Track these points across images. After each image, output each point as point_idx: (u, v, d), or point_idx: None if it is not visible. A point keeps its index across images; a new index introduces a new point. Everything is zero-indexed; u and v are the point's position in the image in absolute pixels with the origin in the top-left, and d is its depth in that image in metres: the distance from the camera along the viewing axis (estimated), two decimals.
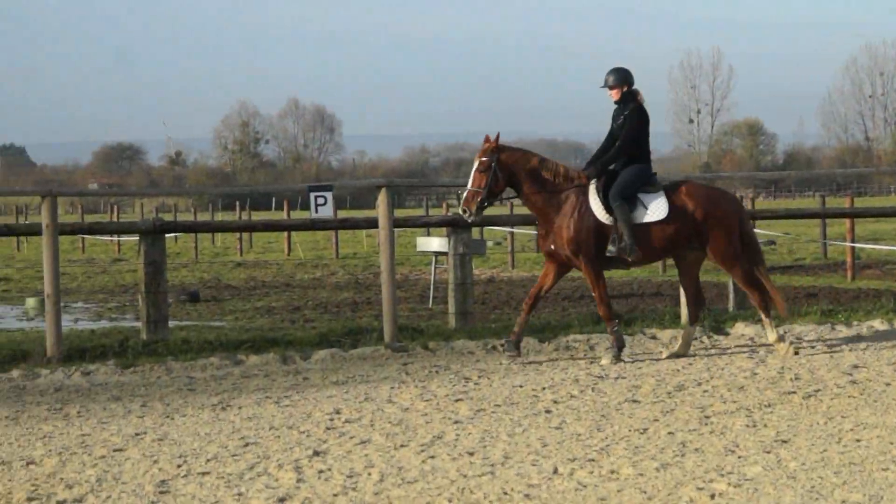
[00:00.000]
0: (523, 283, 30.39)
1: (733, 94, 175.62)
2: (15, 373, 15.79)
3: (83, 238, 52.85)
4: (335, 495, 9.39)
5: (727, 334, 18.10)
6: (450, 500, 9.16)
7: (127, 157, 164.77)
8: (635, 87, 16.24)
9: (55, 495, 9.56)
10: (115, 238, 50.51)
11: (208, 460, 10.78)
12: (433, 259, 26.58)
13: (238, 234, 48.00)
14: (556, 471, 9.91)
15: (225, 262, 40.60)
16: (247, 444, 11.49)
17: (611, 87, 16.15)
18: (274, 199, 70.31)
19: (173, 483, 9.93)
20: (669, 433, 11.34)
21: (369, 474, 10.10)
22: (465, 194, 15.92)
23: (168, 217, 49.34)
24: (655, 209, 15.71)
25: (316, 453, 11.00)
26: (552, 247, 16.01)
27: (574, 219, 15.73)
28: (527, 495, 9.19)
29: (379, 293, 19.21)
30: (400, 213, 40.75)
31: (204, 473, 10.24)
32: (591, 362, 16.02)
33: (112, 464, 10.72)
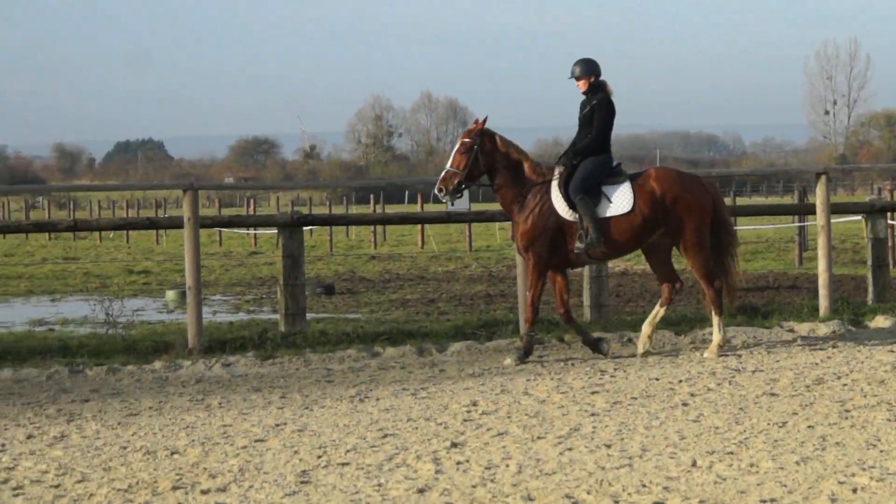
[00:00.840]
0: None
1: (871, 85, 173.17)
2: (157, 364, 16.04)
3: (220, 231, 53.44)
4: (474, 486, 9.44)
5: (866, 327, 17.91)
6: (588, 492, 9.16)
7: (262, 151, 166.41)
8: (602, 77, 15.95)
9: (199, 484, 9.72)
10: (252, 231, 50.96)
11: (347, 451, 10.88)
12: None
13: (372, 227, 48.33)
14: (694, 463, 9.90)
15: (359, 255, 40.86)
16: (385, 436, 11.58)
17: (577, 78, 15.87)
18: (407, 192, 70.67)
19: (314, 473, 10.05)
20: (809, 427, 11.27)
21: (507, 466, 10.13)
22: (442, 173, 15.67)
23: (303, 210, 49.61)
24: (620, 200, 15.39)
25: (454, 445, 11.05)
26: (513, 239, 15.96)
27: (534, 214, 15.43)
28: (665, 488, 9.19)
29: (513, 286, 19.24)
30: None
31: (344, 464, 10.35)
32: (727, 356, 15.94)
33: (253, 454, 10.87)
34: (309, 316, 18.99)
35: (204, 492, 9.49)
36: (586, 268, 18.68)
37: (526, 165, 15.62)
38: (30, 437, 11.91)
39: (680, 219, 15.62)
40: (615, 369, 15.25)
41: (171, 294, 27.53)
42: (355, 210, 66.02)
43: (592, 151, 15.51)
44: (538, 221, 15.34)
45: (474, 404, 13.11)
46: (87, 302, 26.60)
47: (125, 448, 11.25)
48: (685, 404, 12.69)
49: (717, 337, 15.93)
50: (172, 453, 10.95)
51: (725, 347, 16.08)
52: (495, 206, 18.53)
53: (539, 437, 11.29)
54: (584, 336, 15.87)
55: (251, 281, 33.27)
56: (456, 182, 15.41)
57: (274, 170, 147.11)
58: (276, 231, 21.07)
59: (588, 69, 15.80)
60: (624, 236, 15.49)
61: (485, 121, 15.72)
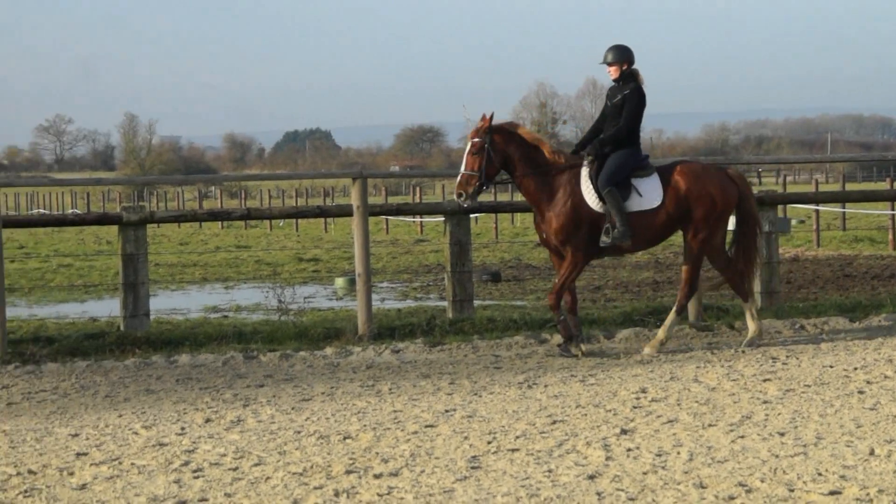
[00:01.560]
0: (829, 262, 30.00)
1: None
2: (329, 350, 16.32)
3: (386, 219, 53.89)
4: (644, 473, 9.47)
5: None
6: (762, 480, 9.15)
7: (427, 139, 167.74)
8: (635, 66, 15.67)
9: (371, 469, 9.86)
10: (418, 219, 51.30)
11: (517, 437, 10.97)
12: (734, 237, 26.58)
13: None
14: (872, 452, 9.84)
15: (525, 243, 40.89)
16: (554, 422, 11.65)
17: (609, 64, 15.59)
18: None
19: (484, 459, 10.14)
20: None
21: (678, 453, 10.15)
22: (458, 178, 15.44)
23: None
24: (650, 194, 15.28)
25: (623, 432, 11.09)
26: (544, 236, 15.69)
27: (566, 208, 15.21)
28: (842, 476, 9.14)
29: (679, 273, 19.19)
30: None
31: (513, 450, 10.43)
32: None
33: (424, 439, 11.01)
34: (476, 303, 19.13)
35: (377, 476, 9.63)
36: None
37: (545, 149, 15.46)
38: (208, 420, 12.21)
39: (697, 213, 15.47)
40: (787, 357, 15.21)
41: (340, 281, 27.87)
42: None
43: (621, 143, 15.26)
44: (572, 215, 15.19)
45: (643, 391, 13.16)
46: (260, 289, 27.14)
47: (299, 432, 11.46)
48: (861, 392, 12.62)
49: (754, 323, 16.00)
50: (345, 438, 11.15)
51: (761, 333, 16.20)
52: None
53: (710, 425, 11.30)
54: (564, 328, 15.57)
55: (418, 268, 33.53)
56: (475, 185, 15.21)
57: (439, 158, 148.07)
58: (442, 219, 21.20)
59: (621, 56, 15.53)
60: (650, 231, 15.51)
61: (492, 116, 15.42)
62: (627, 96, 15.38)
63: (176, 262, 34.00)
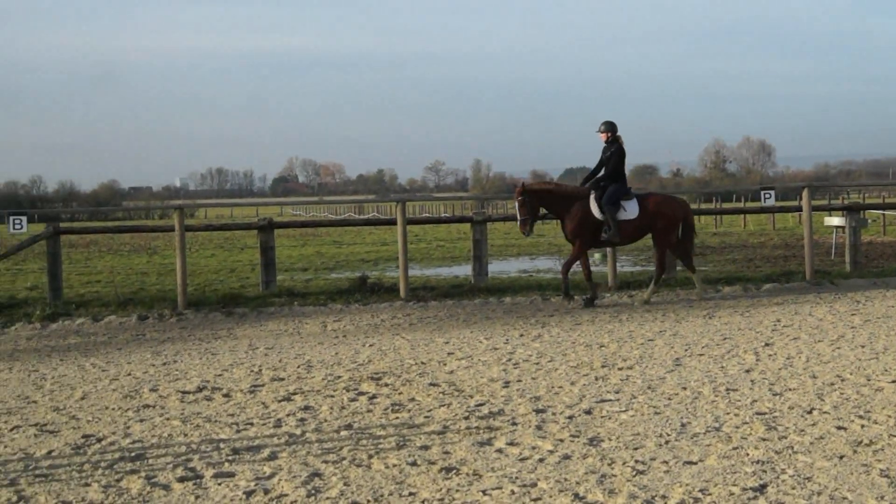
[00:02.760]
0: (892, 245, 29.31)
1: None
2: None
3: None
4: (780, 369, 10.01)
5: None
6: (850, 374, 9.62)
7: (648, 172, 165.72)
8: (619, 133, 16.02)
9: (616, 364, 10.56)
10: None
11: (703, 347, 11.52)
12: (834, 230, 26.54)
13: (714, 217, 49.50)
14: None
15: (707, 233, 40.89)
16: (724, 338, 12.15)
17: (602, 133, 16.05)
18: (734, 195, 70.37)
19: (683, 360, 10.75)
20: None
21: (799, 357, 10.63)
22: (518, 224, 16.01)
23: None
24: (630, 211, 15.91)
25: (766, 344, 11.57)
26: (567, 236, 16.13)
27: (578, 217, 15.83)
28: None
29: (802, 251, 19.46)
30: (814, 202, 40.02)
31: (700, 355, 11.00)
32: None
33: (647, 347, 11.61)
34: (677, 269, 19.49)
35: (620, 368, 10.30)
36: (847, 239, 19.19)
37: (559, 189, 16.20)
38: (521, 335, 12.87)
39: (659, 224, 16.13)
40: (866, 300, 15.43)
41: (597, 255, 28.46)
42: (703, 206, 66.05)
43: (613, 180, 15.87)
44: (582, 221, 15.84)
45: (778, 321, 13.53)
46: (551, 259, 27.89)
47: (574, 343, 12.10)
48: None
49: (697, 283, 16.45)
50: (600, 346, 11.78)
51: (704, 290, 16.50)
52: (790, 203, 18.76)
53: (819, 341, 11.69)
54: (592, 295, 15.93)
55: (643, 248, 33.60)
56: (528, 226, 15.88)
57: (654, 183, 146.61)
58: None
59: (609, 127, 16.00)
60: (630, 233, 16.02)
61: (523, 184, 16.17)
62: (613, 152, 16.02)
63: (501, 244, 34.73)
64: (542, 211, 16.23)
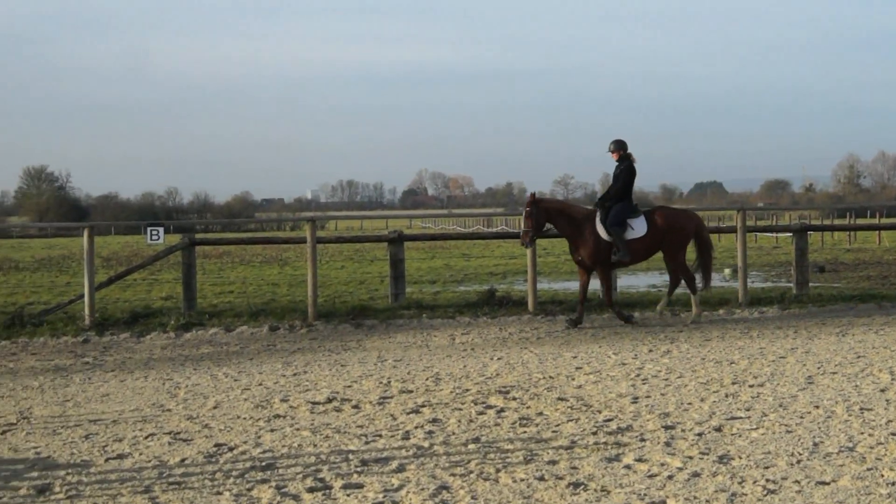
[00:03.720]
0: None
1: None
2: (721, 311, 16.71)
3: (755, 234, 52.64)
4: None
5: None
6: None
7: (780, 187, 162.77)
8: (629, 151, 15.74)
9: (747, 381, 10.38)
10: (775, 235, 50.08)
11: (835, 365, 11.26)
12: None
13: (847, 233, 47.92)
14: None
15: (840, 249, 39.82)
16: (858, 357, 11.90)
17: (612, 152, 15.76)
18: (868, 211, 68.43)
19: (815, 378, 10.56)
20: None
21: None
22: (521, 233, 15.87)
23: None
24: (638, 229, 15.52)
25: None
26: (580, 257, 15.73)
27: (591, 240, 15.51)
28: None
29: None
30: None
31: (833, 373, 10.79)
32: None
33: (778, 365, 11.42)
34: (812, 284, 19.20)
35: (750, 385, 10.15)
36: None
37: (569, 210, 15.85)
38: (650, 350, 12.81)
39: (668, 239, 15.72)
40: None
41: (727, 271, 28.07)
42: (837, 222, 64.36)
43: (619, 199, 15.54)
44: (596, 244, 15.50)
45: None
46: None
47: (703, 359, 11.95)
48: None
49: (695, 306, 15.91)
50: (730, 363, 11.59)
51: (701, 315, 15.93)
52: None
53: None
54: (577, 319, 15.50)
55: (773, 264, 33.06)
56: (529, 236, 15.65)
57: (786, 198, 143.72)
58: (790, 234, 21.61)
59: (619, 146, 15.72)
60: (639, 250, 15.62)
61: (534, 195, 15.86)
62: (622, 171, 15.69)
63: None
64: (548, 226, 16.07)
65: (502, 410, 9.17)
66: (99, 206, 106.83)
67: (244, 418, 9.09)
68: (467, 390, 10.23)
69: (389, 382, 10.83)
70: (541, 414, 9.00)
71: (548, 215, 15.75)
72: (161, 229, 16.72)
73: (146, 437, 8.36)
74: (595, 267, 15.73)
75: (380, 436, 8.23)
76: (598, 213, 15.63)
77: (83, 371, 12.21)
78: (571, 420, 8.68)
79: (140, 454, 7.78)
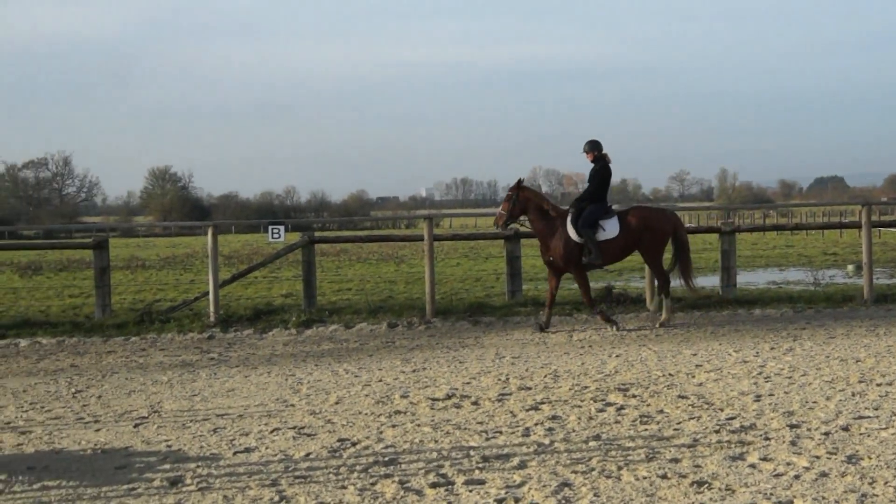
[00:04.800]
0: None
1: None
2: (845, 308, 16.42)
3: (879, 229, 51.37)
4: None
5: None
6: None
7: None
8: (605, 151, 15.26)
9: (874, 380, 10.16)
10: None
11: None
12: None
13: None
14: None
15: None
16: None
17: (587, 153, 15.28)
18: None
19: None
20: None
21: None
22: (496, 215, 15.47)
23: None
24: (610, 230, 15.01)
25: None
26: (551, 258, 15.20)
27: (562, 240, 15.01)
28: None
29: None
30: None
31: None
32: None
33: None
34: None
35: (878, 384, 9.91)
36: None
37: (547, 207, 15.27)
38: (772, 348, 12.59)
39: (646, 241, 15.16)
40: None
41: (850, 267, 27.44)
42: None
43: (592, 200, 15.10)
44: (566, 244, 15.02)
45: None
46: (801, 271, 27.12)
47: (828, 357, 11.71)
48: None
49: (666, 310, 15.26)
50: (856, 361, 11.38)
51: (674, 318, 15.46)
52: None
53: None
54: (545, 323, 15.07)
55: None
56: (503, 220, 15.30)
57: None
58: None
59: (593, 147, 15.27)
60: (613, 252, 15.12)
61: (520, 180, 15.44)
62: (596, 171, 15.24)
63: (749, 255, 33.99)
64: (522, 218, 15.67)
65: (622, 408, 9.12)
66: (220, 206, 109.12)
67: (366, 414, 9.20)
68: (586, 387, 10.19)
69: (508, 379, 10.84)
70: (661, 411, 8.92)
71: (525, 206, 15.39)
72: (282, 228, 16.99)
73: (271, 432, 8.51)
74: (567, 268, 15.37)
75: (500, 432, 8.25)
76: (569, 215, 15.36)
77: (209, 366, 12.49)
78: (693, 418, 8.59)
79: (266, 448, 7.93)
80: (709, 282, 22.68)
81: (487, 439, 8.02)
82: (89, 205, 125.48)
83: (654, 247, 15.32)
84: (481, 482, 6.78)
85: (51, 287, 26.15)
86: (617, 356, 12.31)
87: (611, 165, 15.37)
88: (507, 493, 6.51)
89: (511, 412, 9.09)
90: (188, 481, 6.95)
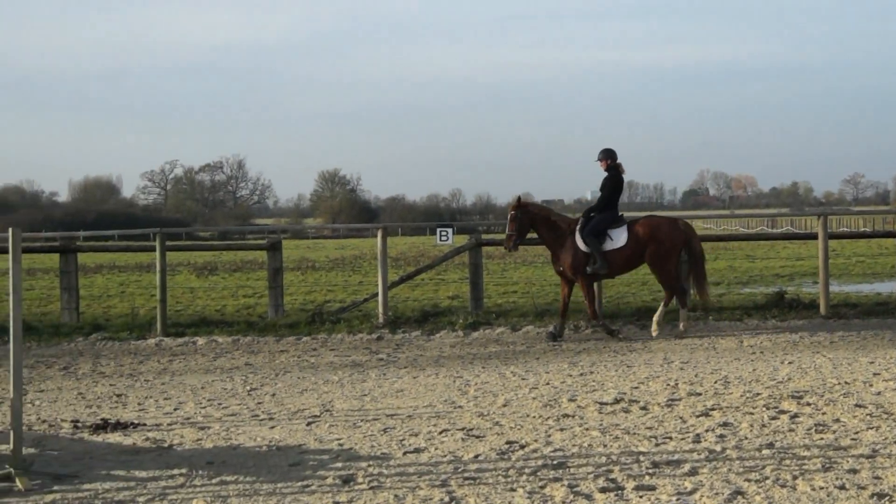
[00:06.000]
0: None
1: None
2: None
3: None
4: None
5: None
6: None
7: None
8: (619, 161, 15.25)
9: None
10: None
11: None
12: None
13: None
14: None
15: None
16: None
17: (600, 161, 15.25)
18: None
19: None
20: None
21: None
22: (505, 237, 15.36)
23: None
24: (618, 239, 14.91)
25: None
26: (561, 269, 15.17)
27: (571, 251, 14.97)
28: None
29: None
30: None
31: None
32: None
33: None
34: None
35: None
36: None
37: (553, 218, 15.27)
38: None
39: (654, 251, 14.91)
40: None
41: None
42: None
43: (601, 210, 15.08)
44: (574, 255, 14.94)
45: None
46: None
47: None
48: None
49: (683, 322, 15.06)
50: None
51: (689, 328, 15.07)
52: None
53: None
54: (558, 332, 14.96)
55: None
56: (512, 241, 15.19)
57: None
58: None
59: (606, 155, 15.23)
60: (619, 262, 14.99)
61: (519, 198, 15.38)
62: (607, 180, 15.15)
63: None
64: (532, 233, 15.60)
65: (796, 416, 8.89)
66: (387, 208, 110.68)
67: (533, 417, 9.20)
68: (758, 394, 9.97)
69: (677, 384, 10.70)
70: (837, 420, 8.66)
71: (532, 222, 15.37)
72: (450, 230, 17.18)
73: (440, 433, 8.59)
74: (576, 278, 15.19)
75: (670, 438, 8.14)
76: (579, 224, 15.18)
77: (378, 367, 12.70)
78: (871, 428, 8.31)
79: (435, 449, 8.00)
80: (885, 288, 21.92)
81: (657, 445, 7.92)
82: (261, 207, 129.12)
83: (660, 258, 15.07)
84: (651, 488, 6.70)
85: (225, 287, 27.00)
86: (789, 363, 12.02)
87: (623, 175, 15.38)
88: (678, 499, 6.42)
89: (681, 418, 8.96)
90: (360, 480, 7.07)
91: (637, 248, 15.01)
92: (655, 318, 15.08)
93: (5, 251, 22.14)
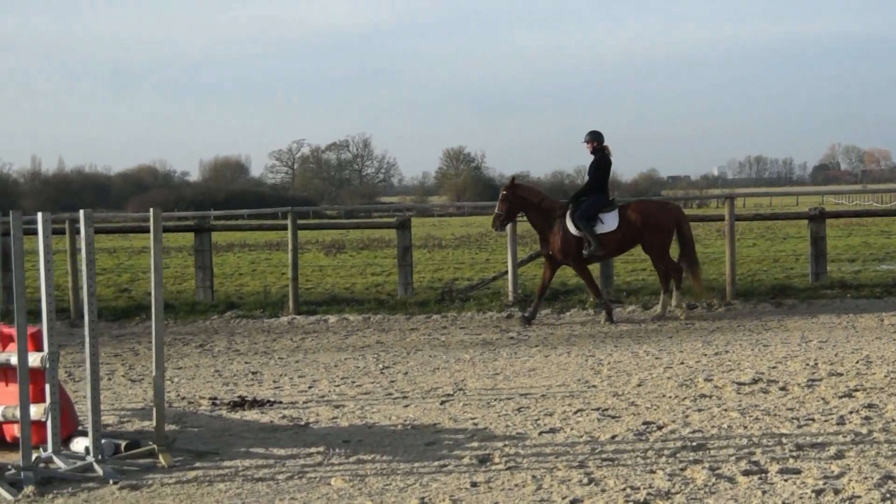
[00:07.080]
0: None
1: None
2: None
3: None
4: None
5: None
6: None
7: None
8: (605, 143, 14.91)
9: None
10: None
11: None
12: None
13: None
14: None
15: None
16: None
17: (587, 143, 14.91)
18: None
19: None
20: None
21: None
22: (493, 216, 15.16)
23: None
24: (609, 223, 14.77)
25: None
26: (550, 252, 14.94)
27: (561, 234, 14.78)
28: None
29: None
30: None
31: None
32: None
33: None
34: None
35: None
36: None
37: (544, 202, 15.03)
38: None
39: (647, 235, 14.82)
40: None
41: None
42: None
43: (589, 193, 14.90)
44: (564, 238, 14.76)
45: None
46: None
47: None
48: None
49: (676, 299, 14.92)
50: None
51: (684, 308, 14.89)
52: None
53: None
54: (531, 315, 14.82)
55: None
56: (500, 220, 15.07)
57: None
58: None
59: (593, 137, 14.91)
60: (613, 245, 14.90)
61: (514, 178, 15.48)
62: (594, 163, 14.90)
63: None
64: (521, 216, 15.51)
65: None
66: None
67: (669, 397, 9.05)
68: None
69: (816, 364, 10.44)
70: None
71: (522, 204, 15.19)
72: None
73: (575, 413, 8.51)
74: (566, 262, 15.04)
75: (812, 420, 7.92)
76: (569, 208, 14.98)
77: (509, 345, 12.67)
78: None
79: (571, 429, 7.92)
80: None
81: (799, 427, 7.71)
82: (387, 185, 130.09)
83: (655, 242, 14.97)
84: (796, 471, 6.51)
85: (353, 265, 27.24)
86: None
87: (610, 157, 15.13)
88: (825, 483, 6.22)
89: (823, 399, 8.72)
90: (496, 460, 7.03)
91: (629, 232, 15.04)
92: (674, 302, 15.06)
93: (139, 230, 22.80)
